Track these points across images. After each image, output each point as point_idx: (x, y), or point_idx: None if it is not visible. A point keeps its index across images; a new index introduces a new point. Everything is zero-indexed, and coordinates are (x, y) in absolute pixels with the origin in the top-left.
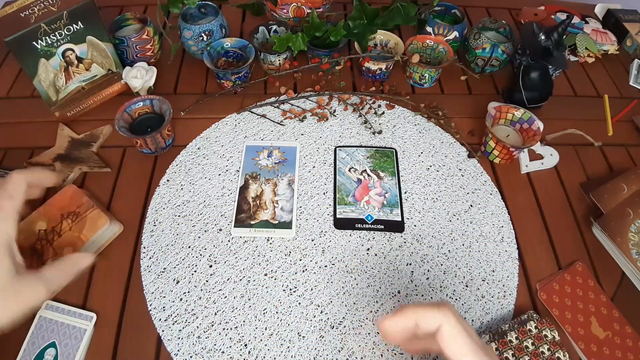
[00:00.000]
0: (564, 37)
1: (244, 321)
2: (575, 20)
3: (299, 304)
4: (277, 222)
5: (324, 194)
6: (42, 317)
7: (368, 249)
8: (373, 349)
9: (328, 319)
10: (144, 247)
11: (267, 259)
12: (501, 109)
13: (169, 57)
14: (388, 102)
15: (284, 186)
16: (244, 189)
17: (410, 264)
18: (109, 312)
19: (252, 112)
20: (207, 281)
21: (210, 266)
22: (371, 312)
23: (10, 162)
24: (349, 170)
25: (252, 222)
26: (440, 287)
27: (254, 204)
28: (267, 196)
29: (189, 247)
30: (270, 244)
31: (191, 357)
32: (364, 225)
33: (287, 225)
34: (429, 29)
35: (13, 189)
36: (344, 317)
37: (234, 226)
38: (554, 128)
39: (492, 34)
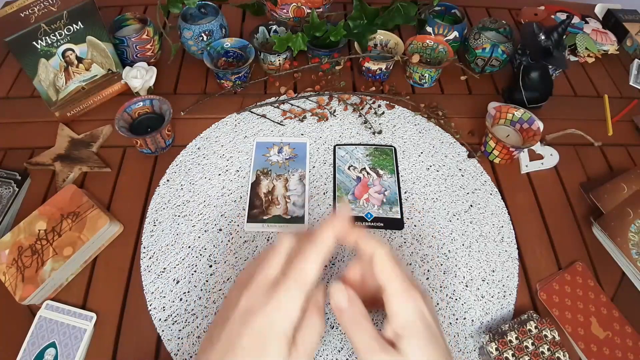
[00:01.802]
0: (564, 37)
1: None
2: (575, 20)
3: None
4: (289, 217)
5: (324, 193)
6: (42, 317)
7: None
8: None
9: (328, 319)
10: (144, 247)
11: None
12: (501, 109)
13: (169, 57)
14: (388, 102)
15: (295, 181)
16: (255, 184)
17: (410, 264)
18: (109, 312)
19: (252, 112)
20: (207, 281)
21: (210, 266)
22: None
23: (10, 162)
24: (348, 168)
25: (265, 218)
26: (440, 287)
27: (266, 200)
28: (278, 192)
29: (189, 247)
30: (270, 244)
31: (191, 357)
32: (363, 223)
33: (299, 219)
34: (429, 29)
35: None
36: None
37: (247, 222)
38: (554, 128)
39: (492, 34)
